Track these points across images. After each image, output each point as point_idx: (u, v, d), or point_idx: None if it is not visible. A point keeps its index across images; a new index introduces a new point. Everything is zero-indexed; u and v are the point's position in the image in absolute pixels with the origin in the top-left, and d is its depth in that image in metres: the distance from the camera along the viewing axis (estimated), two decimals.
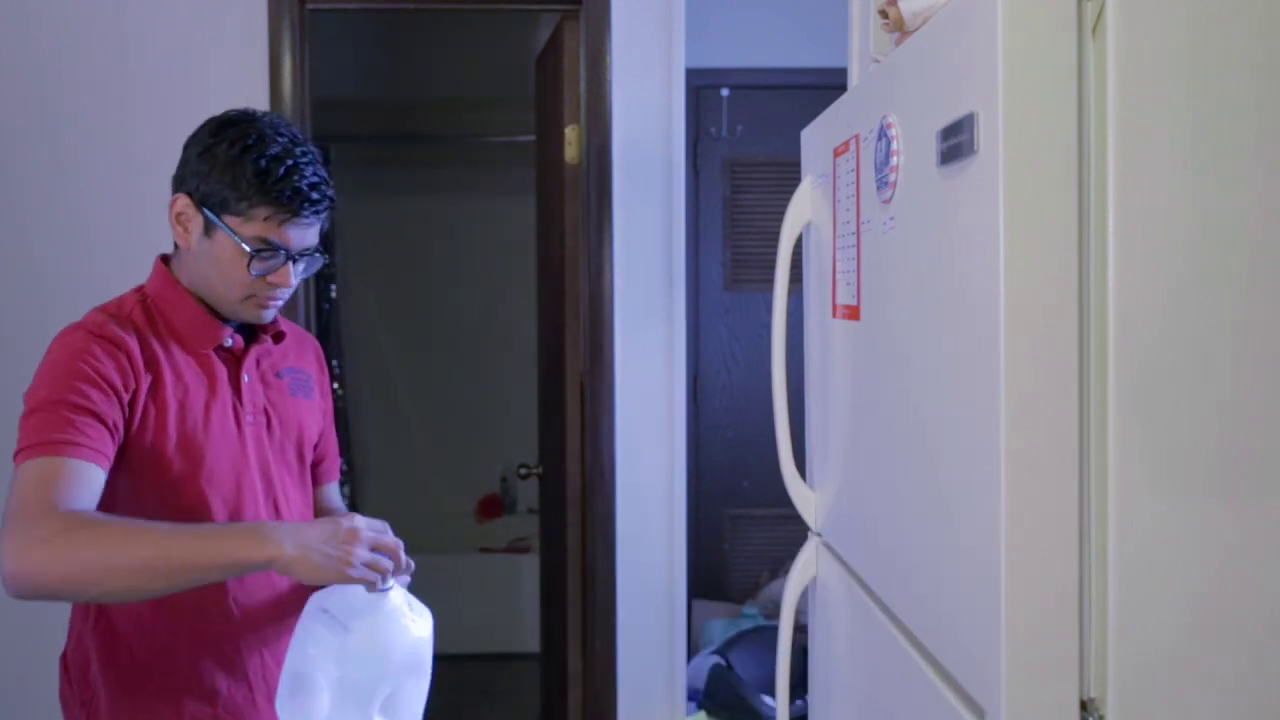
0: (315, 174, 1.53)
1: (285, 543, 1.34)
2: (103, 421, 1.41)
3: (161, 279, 1.59)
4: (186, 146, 1.56)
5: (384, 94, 5.02)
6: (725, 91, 3.71)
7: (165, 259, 1.62)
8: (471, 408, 5.15)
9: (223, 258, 1.52)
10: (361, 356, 5.11)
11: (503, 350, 5.09)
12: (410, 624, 1.49)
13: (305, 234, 1.54)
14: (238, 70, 2.68)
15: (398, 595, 1.50)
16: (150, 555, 1.31)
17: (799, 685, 1.93)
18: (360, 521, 1.42)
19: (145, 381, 1.49)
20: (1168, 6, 0.89)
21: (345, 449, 4.59)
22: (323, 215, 1.56)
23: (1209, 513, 0.90)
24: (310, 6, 2.71)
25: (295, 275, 1.55)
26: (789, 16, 3.69)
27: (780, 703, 1.60)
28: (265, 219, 1.50)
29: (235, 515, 1.56)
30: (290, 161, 1.50)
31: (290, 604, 1.64)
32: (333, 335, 4.74)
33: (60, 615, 1.62)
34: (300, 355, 1.74)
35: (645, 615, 2.79)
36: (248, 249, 1.50)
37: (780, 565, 3.72)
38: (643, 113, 2.74)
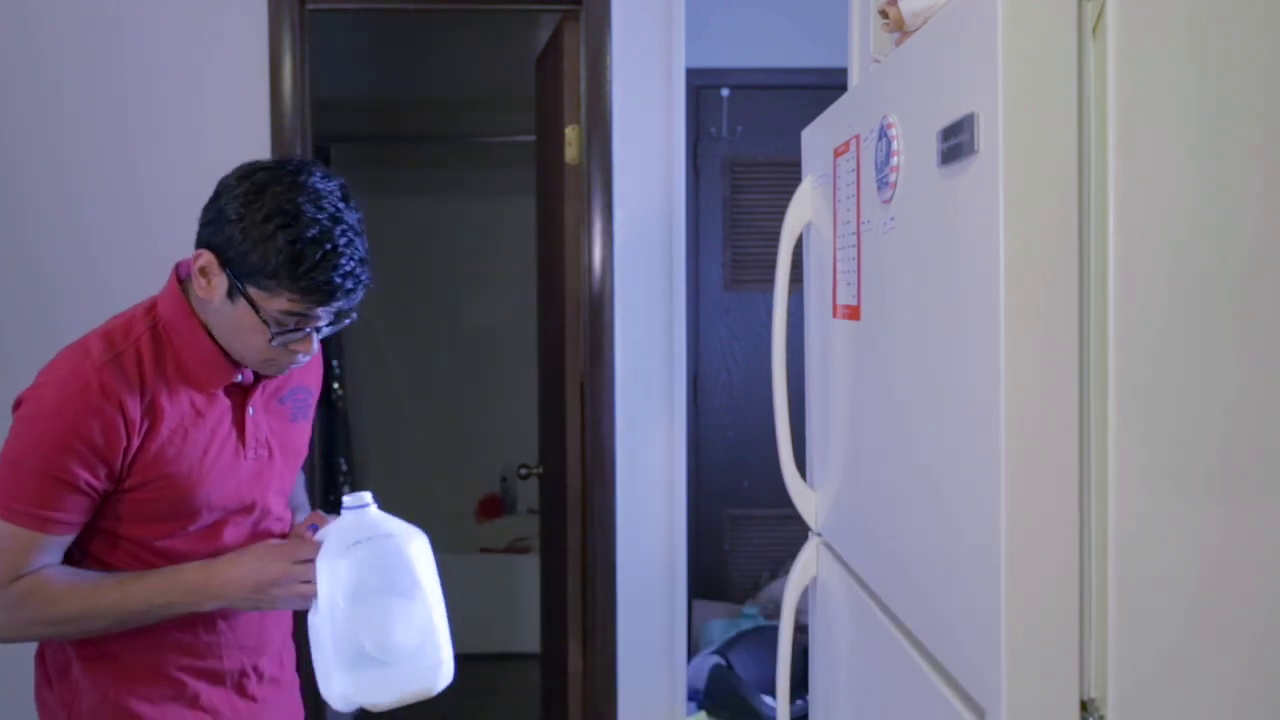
0: (350, 261, 1.42)
1: (208, 603, 1.48)
2: (84, 493, 1.43)
3: (176, 306, 1.49)
4: (219, 195, 1.44)
5: (384, 94, 5.02)
6: (725, 91, 3.71)
7: (180, 278, 1.53)
8: (471, 408, 5.15)
9: (244, 324, 1.44)
10: (361, 356, 5.11)
11: (503, 350, 5.09)
12: (374, 544, 1.50)
13: (329, 309, 1.46)
14: (238, 70, 2.68)
15: (371, 518, 1.52)
16: (99, 625, 1.46)
17: (799, 685, 1.93)
18: (275, 569, 1.47)
19: (140, 432, 1.44)
20: (1168, 6, 0.89)
21: (345, 449, 4.59)
22: (355, 300, 1.47)
23: (1209, 512, 0.90)
24: (310, 6, 2.70)
25: (315, 342, 1.50)
26: (789, 16, 3.69)
27: (780, 703, 1.60)
28: (290, 300, 1.41)
29: (233, 542, 1.56)
30: (328, 246, 1.39)
31: (273, 618, 1.65)
32: (333, 335, 4.73)
33: None
34: (305, 371, 1.66)
35: (645, 615, 2.79)
36: (271, 326, 1.43)
37: (780, 565, 3.72)
38: (643, 113, 2.74)
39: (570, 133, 2.78)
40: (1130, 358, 0.89)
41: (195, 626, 1.54)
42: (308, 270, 1.38)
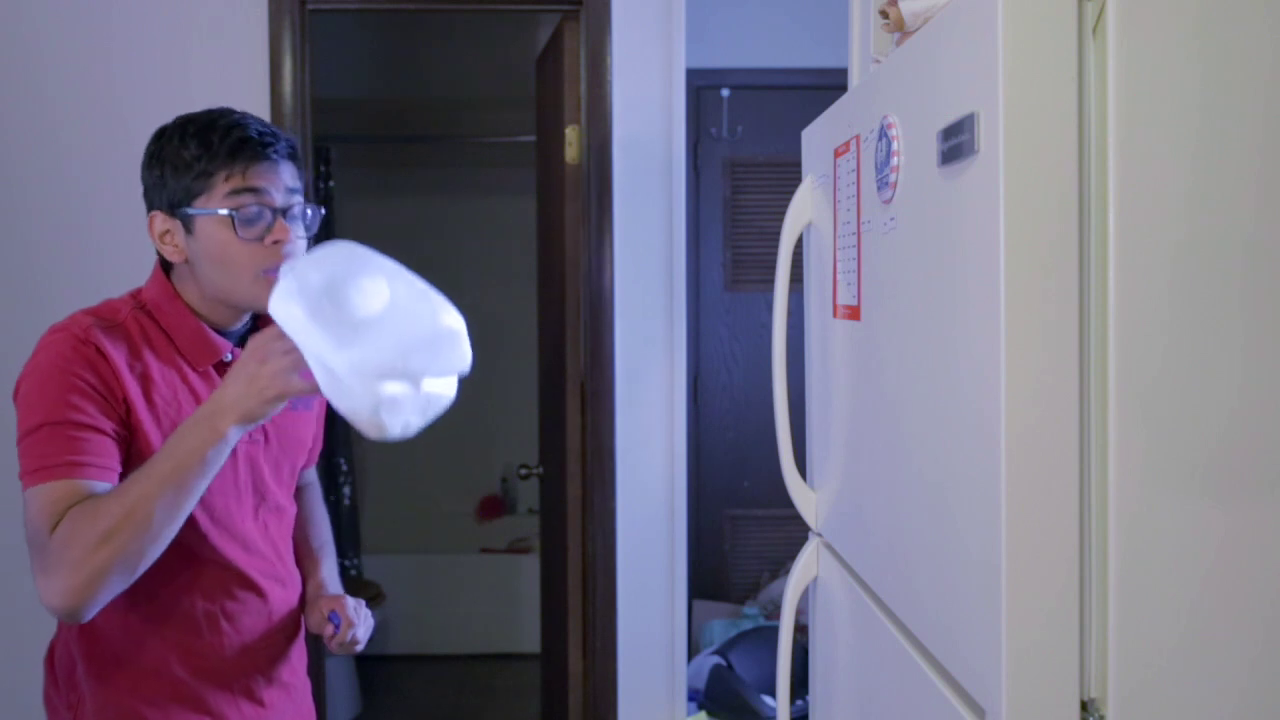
0: (255, 122, 1.49)
1: (227, 419, 1.36)
2: (104, 433, 1.39)
3: (160, 288, 1.53)
4: (143, 169, 1.53)
5: (384, 94, 5.02)
6: (725, 91, 3.72)
7: (165, 267, 1.56)
8: (471, 408, 5.13)
9: (213, 245, 1.46)
10: None
11: (503, 350, 5.09)
12: (314, 254, 1.38)
13: (276, 179, 1.48)
14: (238, 70, 2.68)
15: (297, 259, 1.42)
16: (141, 511, 1.34)
17: (799, 685, 1.93)
18: (253, 352, 1.37)
19: (135, 393, 1.44)
20: (1168, 6, 0.89)
21: (345, 449, 4.59)
22: (284, 156, 1.49)
23: (1209, 513, 0.90)
24: (310, 6, 2.71)
25: (294, 229, 1.49)
26: (789, 16, 3.69)
27: (780, 703, 1.60)
28: (227, 179, 1.45)
29: (234, 528, 1.54)
30: (224, 122, 1.47)
31: (280, 623, 1.64)
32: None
33: (47, 616, 1.61)
34: None
35: (645, 615, 2.79)
36: (225, 212, 1.45)
37: (780, 565, 3.73)
38: (643, 113, 2.74)
39: (570, 133, 2.78)
40: (1130, 357, 0.89)
41: (198, 626, 1.54)
42: (219, 142, 1.45)
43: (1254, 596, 0.90)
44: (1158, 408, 0.89)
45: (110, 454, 1.40)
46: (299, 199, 1.51)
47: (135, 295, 1.55)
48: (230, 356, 1.55)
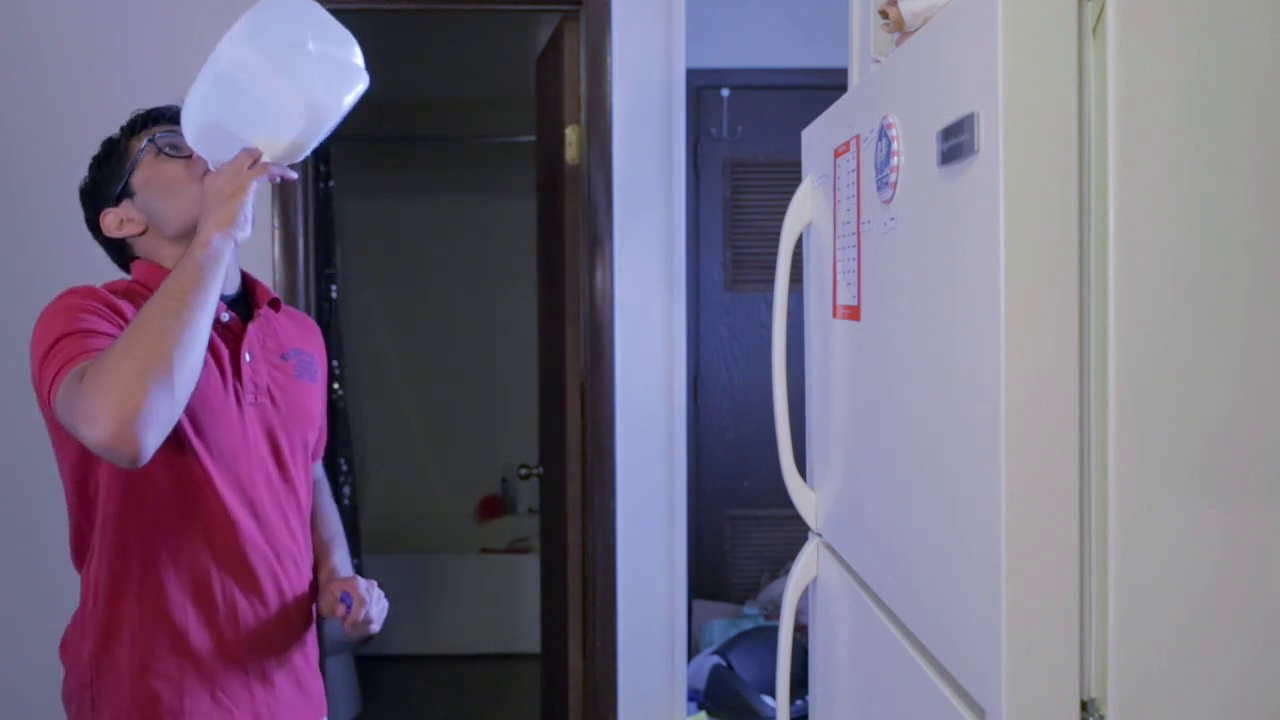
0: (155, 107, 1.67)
1: (206, 233, 1.50)
2: (110, 324, 1.47)
3: (142, 269, 1.64)
4: (87, 183, 1.70)
5: (384, 94, 5.01)
6: (725, 91, 3.72)
7: (126, 263, 1.69)
8: (471, 408, 5.15)
9: (154, 182, 1.61)
10: (361, 356, 5.11)
11: (503, 350, 5.09)
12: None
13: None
14: None
15: None
16: (155, 319, 1.40)
17: (799, 685, 1.93)
18: (219, 170, 1.54)
19: None
20: (1168, 6, 0.89)
21: (345, 449, 4.59)
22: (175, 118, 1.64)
23: (1209, 513, 0.90)
24: None
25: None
26: (789, 16, 3.69)
27: (780, 703, 1.60)
28: (143, 147, 1.63)
29: (245, 493, 1.57)
30: (136, 114, 1.69)
31: (295, 603, 1.65)
32: (333, 335, 4.73)
33: (52, 614, 1.61)
34: (305, 338, 1.76)
35: (645, 615, 2.79)
36: (146, 143, 1.63)
37: (780, 565, 3.73)
38: (643, 113, 2.74)
39: (570, 133, 2.78)
40: (1130, 357, 0.89)
41: (214, 600, 1.55)
42: (120, 131, 1.68)
43: (1254, 596, 0.90)
44: (1158, 407, 0.89)
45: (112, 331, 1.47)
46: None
47: (124, 280, 1.65)
48: (228, 318, 1.62)
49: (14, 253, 2.68)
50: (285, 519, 1.64)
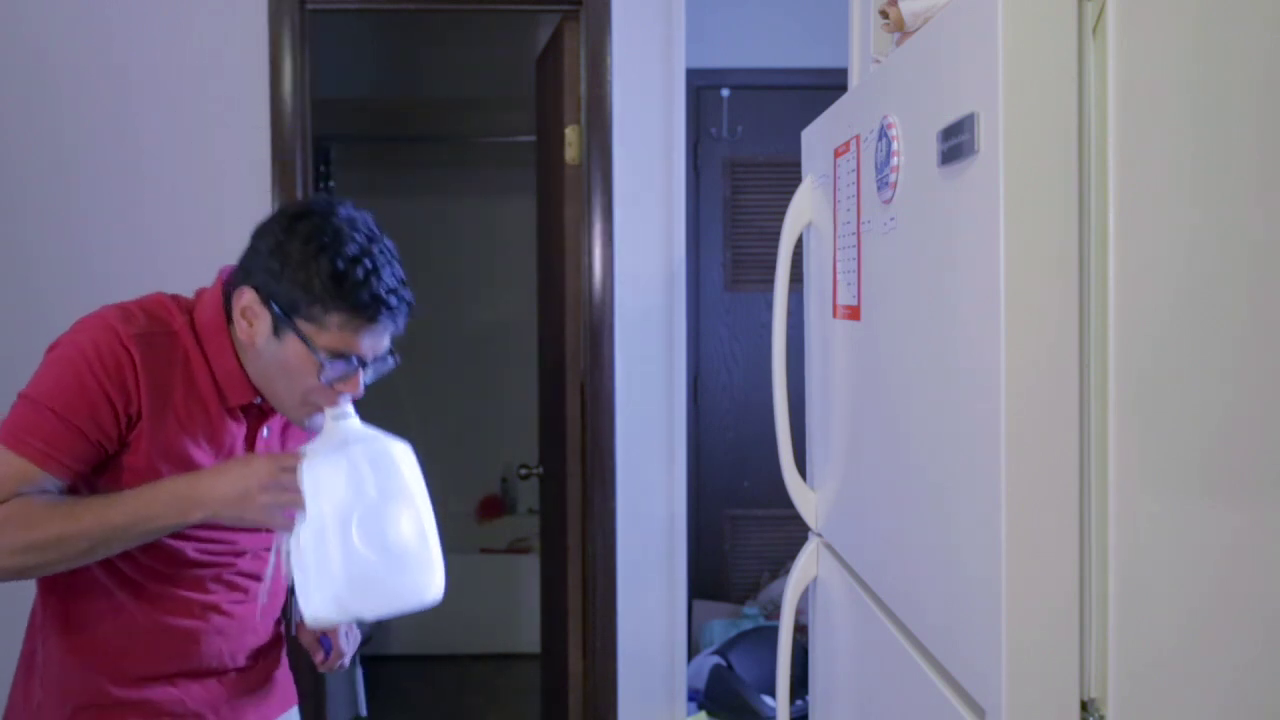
0: (394, 275, 1.45)
1: (194, 513, 1.40)
2: (87, 438, 1.40)
3: (215, 319, 1.49)
4: (256, 236, 1.47)
5: (384, 94, 5.02)
6: (725, 91, 3.72)
7: (225, 286, 1.51)
8: (471, 408, 5.14)
9: (291, 362, 1.44)
10: None
11: (503, 350, 5.09)
12: (363, 445, 1.44)
13: (380, 340, 1.47)
14: (238, 70, 2.68)
15: (355, 425, 1.46)
16: (81, 546, 1.38)
17: (799, 685, 1.93)
18: (261, 471, 1.39)
19: (147, 409, 1.43)
20: (1168, 6, 0.89)
21: None
22: (401, 321, 1.49)
23: (1208, 513, 0.90)
24: (310, 7, 2.71)
25: (363, 380, 1.49)
26: (789, 16, 3.69)
27: (780, 703, 1.60)
28: (340, 326, 1.42)
29: (209, 539, 1.54)
30: (368, 263, 1.41)
31: (264, 624, 1.65)
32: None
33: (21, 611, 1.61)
34: None
35: (645, 615, 2.79)
36: (321, 359, 1.43)
37: (780, 565, 3.73)
38: (643, 113, 2.74)
39: (570, 133, 2.78)
40: (1130, 357, 0.89)
41: (176, 610, 1.52)
42: (353, 287, 1.40)
43: (1254, 596, 0.90)
44: (1158, 407, 0.89)
45: (83, 458, 1.41)
46: (385, 354, 1.50)
47: (189, 310, 1.51)
48: (261, 400, 1.54)
49: (14, 252, 2.68)
50: (258, 556, 1.61)
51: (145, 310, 1.47)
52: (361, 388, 1.48)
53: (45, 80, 2.67)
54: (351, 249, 1.42)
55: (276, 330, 1.44)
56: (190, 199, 2.69)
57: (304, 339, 1.42)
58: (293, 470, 1.39)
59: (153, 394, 1.43)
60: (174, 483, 1.41)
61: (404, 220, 5.12)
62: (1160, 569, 0.90)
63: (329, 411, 1.46)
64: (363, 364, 1.46)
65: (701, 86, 3.66)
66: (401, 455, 1.48)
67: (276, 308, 1.43)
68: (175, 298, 1.53)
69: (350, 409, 1.47)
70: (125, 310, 1.46)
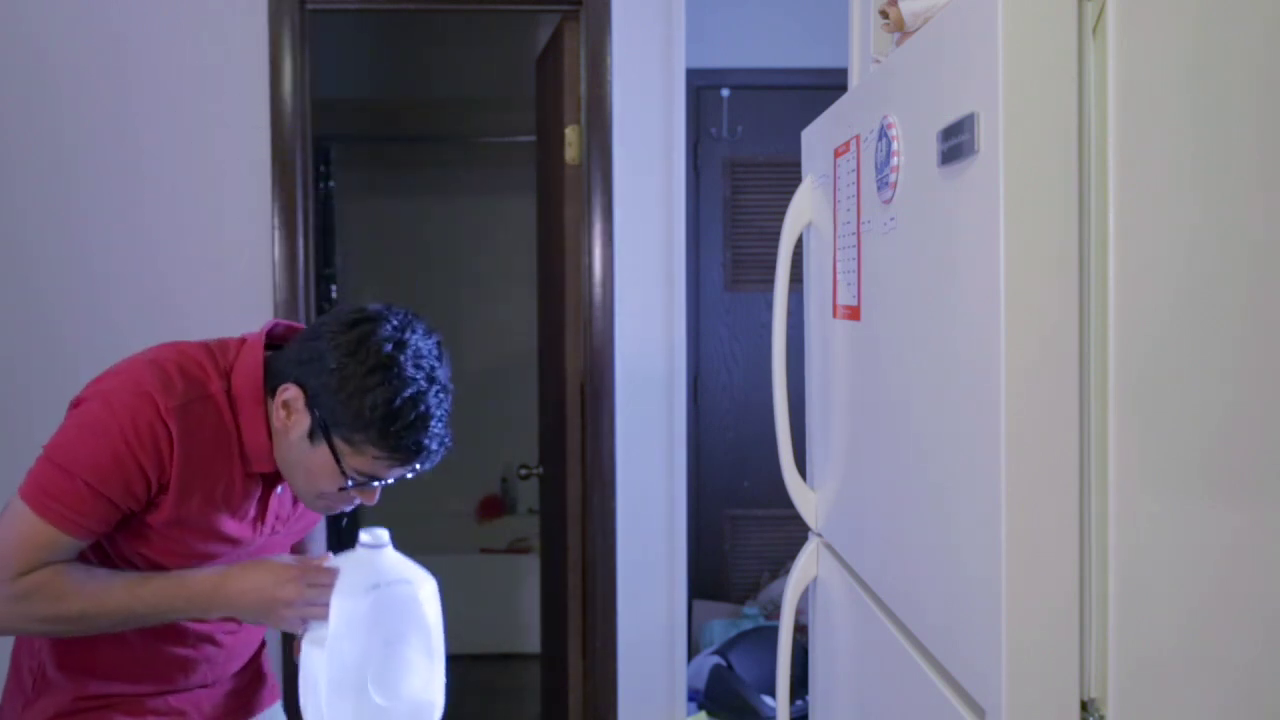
0: (439, 424, 1.44)
1: (216, 611, 1.46)
2: (115, 505, 1.41)
3: (252, 389, 1.46)
4: (318, 338, 1.44)
5: (384, 94, 5.02)
6: (725, 91, 3.72)
7: (265, 346, 1.49)
8: (471, 408, 5.14)
9: (314, 466, 1.45)
10: None
11: (503, 350, 5.09)
12: (391, 589, 1.47)
13: (409, 472, 1.49)
14: (238, 70, 2.68)
15: (387, 560, 1.49)
16: (102, 624, 1.44)
17: (799, 685, 1.93)
18: (289, 590, 1.43)
19: (176, 477, 1.42)
20: (1168, 6, 0.89)
21: None
22: (437, 461, 1.49)
23: (1209, 513, 0.90)
24: (310, 7, 2.71)
25: (378, 493, 1.51)
26: (789, 16, 3.69)
27: (780, 703, 1.60)
28: (375, 458, 1.43)
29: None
30: (422, 408, 1.41)
31: (254, 643, 1.69)
32: None
33: None
34: None
35: (645, 615, 2.79)
36: (349, 482, 1.45)
37: (780, 565, 3.73)
38: (643, 113, 2.74)
39: (570, 133, 2.78)
40: (1130, 358, 0.89)
41: (168, 637, 1.55)
42: (399, 430, 1.40)
43: (1254, 596, 0.90)
44: (1158, 407, 0.89)
45: (107, 522, 1.42)
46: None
47: (226, 372, 1.47)
48: (281, 490, 1.57)
49: (14, 253, 2.68)
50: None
51: (183, 372, 1.43)
52: (377, 498, 1.51)
53: (45, 80, 2.67)
54: (409, 391, 1.40)
55: (312, 436, 1.44)
56: (190, 199, 2.69)
57: (336, 456, 1.43)
58: (320, 586, 1.43)
59: (184, 464, 1.42)
60: (200, 579, 1.45)
61: (404, 220, 5.13)
62: (1160, 569, 0.90)
63: (364, 536, 1.48)
64: (381, 483, 1.49)
65: (701, 86, 3.66)
66: (429, 598, 1.51)
67: (320, 415, 1.42)
68: (211, 350, 1.49)
69: (386, 538, 1.49)
70: (164, 376, 1.41)
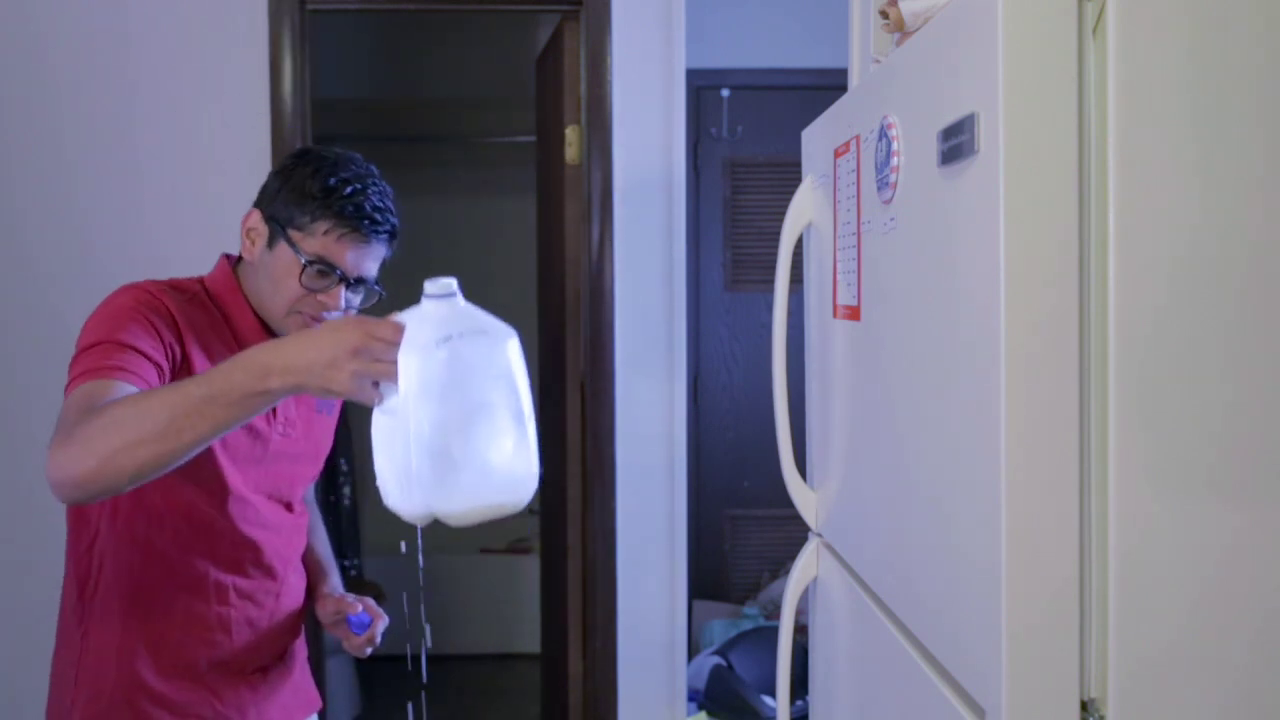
0: (381, 199, 1.56)
1: (274, 380, 1.25)
2: (149, 359, 1.42)
3: (225, 279, 1.60)
4: (271, 173, 1.61)
5: (384, 94, 5.01)
6: (725, 92, 3.72)
7: (230, 260, 1.63)
8: None
9: (278, 269, 1.54)
10: None
11: None
12: (466, 341, 1.29)
13: (362, 259, 1.56)
14: (238, 70, 2.68)
15: (457, 310, 1.31)
16: (166, 416, 1.25)
17: (799, 685, 1.93)
18: (352, 336, 1.24)
19: (192, 350, 1.50)
20: (1168, 6, 0.89)
21: (345, 449, 4.59)
22: (383, 241, 1.58)
23: (1209, 512, 0.90)
24: (310, 7, 2.71)
25: (345, 300, 1.56)
26: (789, 16, 3.69)
27: (780, 703, 1.60)
28: (325, 233, 1.52)
29: (244, 503, 1.57)
30: (359, 185, 1.54)
31: (286, 608, 1.68)
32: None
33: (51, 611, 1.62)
34: None
35: (645, 615, 2.79)
36: (303, 259, 1.52)
37: (780, 565, 3.73)
38: (643, 113, 2.74)
39: (570, 133, 2.78)
40: (1130, 358, 0.89)
41: (208, 595, 1.56)
42: (340, 198, 1.51)
43: (1254, 596, 0.90)
44: (1158, 407, 0.89)
45: (150, 374, 1.39)
46: (369, 278, 1.58)
47: (199, 281, 1.61)
48: None
49: (14, 252, 2.68)
50: (285, 532, 1.66)
51: (163, 281, 1.56)
52: (342, 303, 1.54)
53: (45, 80, 2.67)
54: (346, 172, 1.55)
55: (271, 242, 1.54)
56: (190, 199, 2.69)
57: (292, 245, 1.52)
58: (387, 340, 1.25)
59: (192, 341, 1.50)
60: (254, 351, 1.29)
61: (404, 220, 5.13)
62: (1160, 569, 0.90)
63: (429, 286, 1.32)
64: (345, 281, 1.54)
65: (701, 86, 3.66)
66: (513, 354, 1.34)
67: (274, 224, 1.54)
68: (174, 280, 1.61)
69: (454, 286, 1.34)
70: (144, 283, 1.53)
